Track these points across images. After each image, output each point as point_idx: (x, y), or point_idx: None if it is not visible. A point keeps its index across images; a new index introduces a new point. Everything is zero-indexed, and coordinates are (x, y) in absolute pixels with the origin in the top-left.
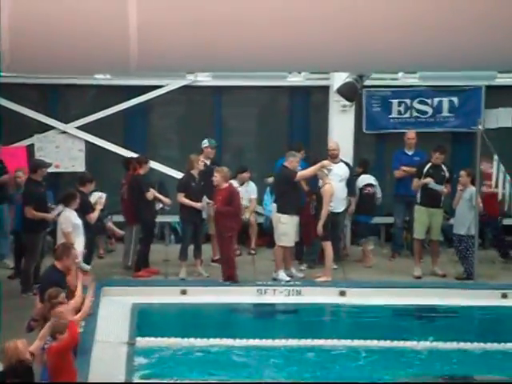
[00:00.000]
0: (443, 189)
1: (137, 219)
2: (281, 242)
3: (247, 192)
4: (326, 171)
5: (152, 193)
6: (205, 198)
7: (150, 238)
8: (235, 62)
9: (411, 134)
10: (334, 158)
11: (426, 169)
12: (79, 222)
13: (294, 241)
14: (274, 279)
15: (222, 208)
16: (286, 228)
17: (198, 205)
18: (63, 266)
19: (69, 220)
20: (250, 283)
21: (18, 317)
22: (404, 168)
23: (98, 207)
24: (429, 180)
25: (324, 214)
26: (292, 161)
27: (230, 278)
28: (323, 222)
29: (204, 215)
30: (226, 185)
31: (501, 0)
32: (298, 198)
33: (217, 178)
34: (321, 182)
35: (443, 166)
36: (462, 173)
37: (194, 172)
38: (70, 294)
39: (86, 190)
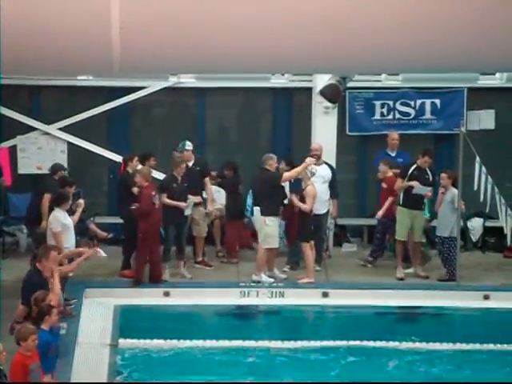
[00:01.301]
0: (427, 192)
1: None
2: (267, 244)
3: None
4: (309, 174)
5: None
6: (190, 197)
7: (133, 238)
8: (221, 64)
9: (394, 134)
10: (317, 159)
11: (410, 171)
12: (69, 221)
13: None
14: (258, 281)
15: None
16: (271, 230)
17: (182, 204)
18: (43, 267)
19: (58, 220)
20: (233, 285)
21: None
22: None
23: (79, 209)
24: (416, 184)
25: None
26: (272, 164)
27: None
28: (306, 223)
29: (187, 212)
30: (146, 185)
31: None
32: (281, 199)
33: (137, 178)
34: (303, 183)
35: (427, 170)
36: (443, 175)
37: (176, 173)
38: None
39: None
